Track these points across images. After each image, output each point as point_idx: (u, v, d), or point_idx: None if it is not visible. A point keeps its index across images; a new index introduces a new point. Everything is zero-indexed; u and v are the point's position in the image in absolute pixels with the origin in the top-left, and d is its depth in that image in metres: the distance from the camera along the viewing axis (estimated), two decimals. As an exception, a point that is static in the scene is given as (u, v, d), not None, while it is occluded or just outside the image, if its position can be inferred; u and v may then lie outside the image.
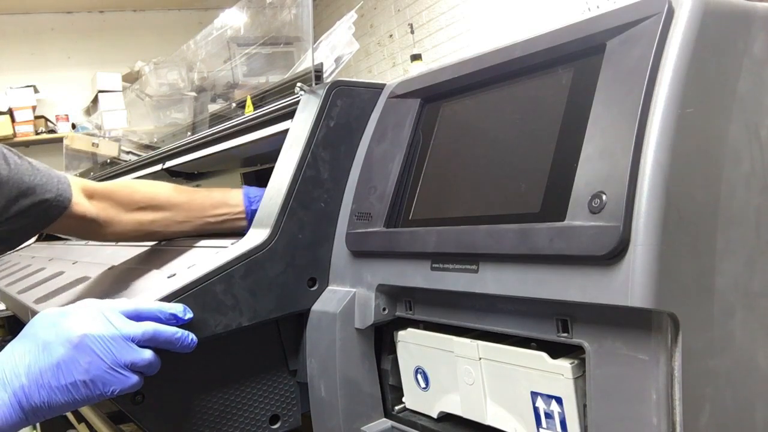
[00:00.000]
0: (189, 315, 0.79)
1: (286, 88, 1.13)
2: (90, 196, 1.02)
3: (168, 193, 1.08)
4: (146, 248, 1.19)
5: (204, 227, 1.08)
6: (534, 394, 0.69)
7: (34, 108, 4.93)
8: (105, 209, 1.03)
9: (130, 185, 1.09)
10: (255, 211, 1.01)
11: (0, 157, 0.90)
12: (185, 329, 0.78)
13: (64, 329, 0.70)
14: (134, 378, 0.71)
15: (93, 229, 1.03)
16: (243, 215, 1.08)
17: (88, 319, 0.71)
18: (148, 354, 0.73)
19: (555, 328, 0.64)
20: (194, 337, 0.78)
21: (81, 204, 0.99)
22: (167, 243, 1.16)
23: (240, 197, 1.08)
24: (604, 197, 0.57)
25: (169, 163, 1.55)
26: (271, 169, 0.97)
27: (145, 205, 1.05)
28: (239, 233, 0.98)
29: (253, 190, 1.09)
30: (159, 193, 1.07)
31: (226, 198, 1.08)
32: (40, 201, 0.93)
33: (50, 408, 0.68)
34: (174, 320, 0.78)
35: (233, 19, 1.84)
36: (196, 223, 1.07)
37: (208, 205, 1.07)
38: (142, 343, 0.73)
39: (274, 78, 1.50)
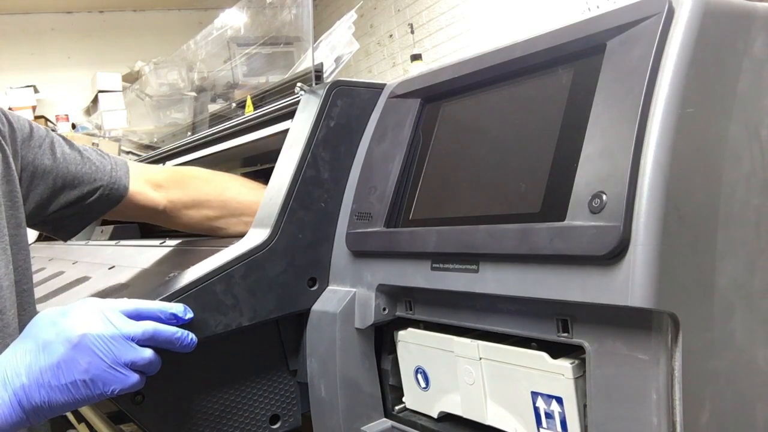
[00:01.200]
0: (189, 315, 0.79)
1: (286, 88, 1.13)
2: (157, 185, 1.01)
3: (237, 191, 1.06)
4: (146, 248, 1.19)
5: None
6: (534, 394, 0.69)
7: (34, 108, 4.93)
8: (172, 201, 1.02)
9: (200, 177, 1.07)
10: None
11: (47, 146, 0.90)
12: (185, 329, 0.78)
13: (65, 329, 0.70)
14: (134, 377, 0.71)
15: (160, 219, 1.03)
16: None
17: (89, 319, 0.71)
18: (148, 353, 0.73)
19: (555, 328, 0.64)
20: (194, 337, 0.78)
21: (144, 193, 0.98)
22: (168, 243, 1.16)
23: None
24: (604, 197, 0.57)
25: (169, 163, 1.55)
26: (271, 169, 0.97)
27: (211, 201, 1.04)
28: None
29: None
30: (228, 188, 1.06)
31: None
32: (89, 191, 0.93)
33: (50, 407, 0.68)
34: (174, 320, 0.77)
35: (233, 19, 1.85)
36: None
37: None
38: (142, 342, 0.73)
39: (274, 78, 1.50)
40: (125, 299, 0.77)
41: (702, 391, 0.58)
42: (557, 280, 0.61)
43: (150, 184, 1.00)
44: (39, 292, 1.24)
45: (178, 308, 0.78)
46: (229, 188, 1.06)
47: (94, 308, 0.73)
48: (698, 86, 0.58)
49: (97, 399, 0.70)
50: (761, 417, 0.63)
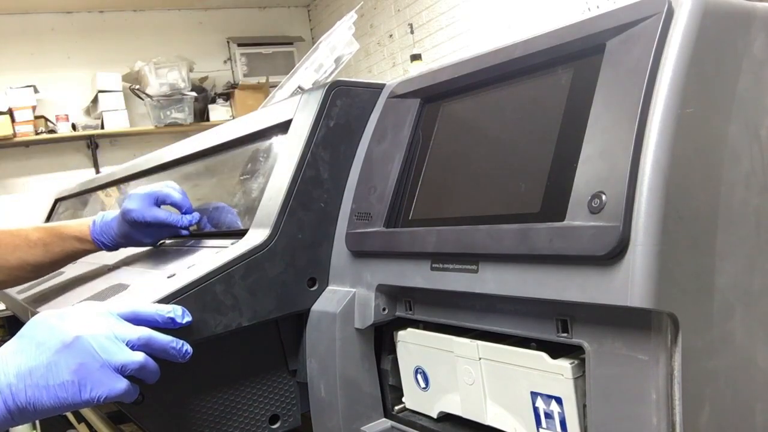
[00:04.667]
0: (187, 318, 0.78)
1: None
2: None
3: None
4: (146, 248, 1.18)
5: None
6: (534, 394, 0.69)
7: (34, 108, 4.92)
8: None
9: None
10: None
11: None
12: (184, 331, 0.78)
13: (60, 331, 0.69)
14: (124, 383, 0.70)
15: None
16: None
17: (84, 321, 0.71)
18: (140, 356, 0.71)
19: (555, 328, 0.64)
20: (189, 348, 0.76)
21: None
22: (167, 243, 1.16)
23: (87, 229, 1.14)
24: (603, 197, 0.57)
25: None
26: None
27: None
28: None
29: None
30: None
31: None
32: None
33: (35, 409, 0.67)
34: (172, 323, 0.77)
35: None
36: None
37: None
38: (137, 347, 0.72)
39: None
40: (123, 301, 0.77)
41: (701, 391, 0.58)
42: (557, 281, 0.61)
43: None
44: (39, 292, 1.24)
45: (176, 311, 0.78)
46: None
47: (90, 311, 0.73)
48: (698, 86, 0.58)
49: (84, 405, 0.68)
50: (761, 417, 0.63)
